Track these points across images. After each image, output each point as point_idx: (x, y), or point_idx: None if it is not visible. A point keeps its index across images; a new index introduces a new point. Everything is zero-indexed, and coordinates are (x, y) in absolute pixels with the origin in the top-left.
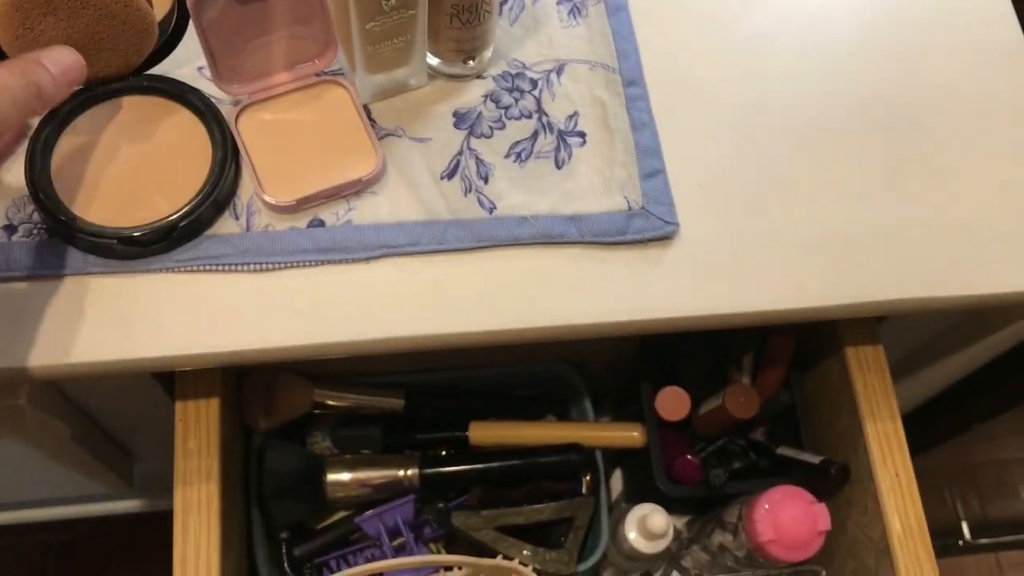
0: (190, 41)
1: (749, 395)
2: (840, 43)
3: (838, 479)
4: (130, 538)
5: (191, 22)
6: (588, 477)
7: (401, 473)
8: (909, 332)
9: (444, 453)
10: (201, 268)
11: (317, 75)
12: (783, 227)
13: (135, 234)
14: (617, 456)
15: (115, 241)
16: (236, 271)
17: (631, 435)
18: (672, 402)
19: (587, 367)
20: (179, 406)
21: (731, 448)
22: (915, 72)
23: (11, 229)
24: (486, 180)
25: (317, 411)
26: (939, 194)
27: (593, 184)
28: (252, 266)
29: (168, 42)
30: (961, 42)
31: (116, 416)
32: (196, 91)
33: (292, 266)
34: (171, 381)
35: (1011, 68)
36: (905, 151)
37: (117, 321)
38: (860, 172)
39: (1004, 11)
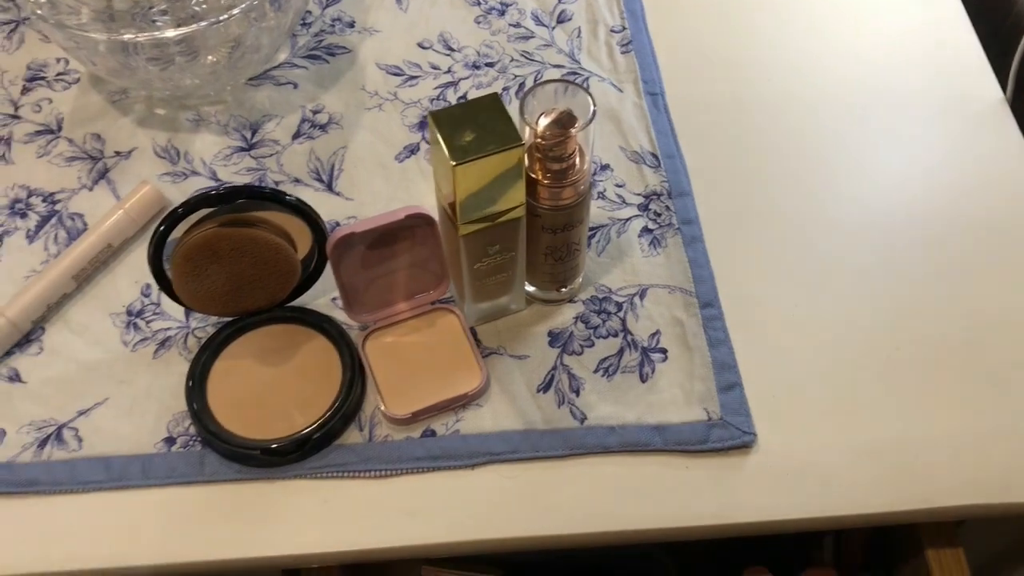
0: (327, 277)
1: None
2: (904, 266)
3: None
4: None
5: (328, 264)
6: None
7: None
8: (991, 535)
9: None
10: (329, 475)
11: (432, 304)
12: (855, 434)
13: (274, 446)
14: None
15: (258, 452)
16: (359, 477)
17: None
18: None
19: (683, 548)
20: None
21: None
22: (972, 291)
23: (171, 441)
24: (577, 393)
25: None
26: (1010, 403)
27: (675, 396)
28: (373, 472)
29: (308, 279)
30: (1012, 260)
31: None
32: (330, 320)
33: (407, 472)
34: None
35: None
36: (975, 365)
37: (256, 522)
38: (928, 384)
39: None
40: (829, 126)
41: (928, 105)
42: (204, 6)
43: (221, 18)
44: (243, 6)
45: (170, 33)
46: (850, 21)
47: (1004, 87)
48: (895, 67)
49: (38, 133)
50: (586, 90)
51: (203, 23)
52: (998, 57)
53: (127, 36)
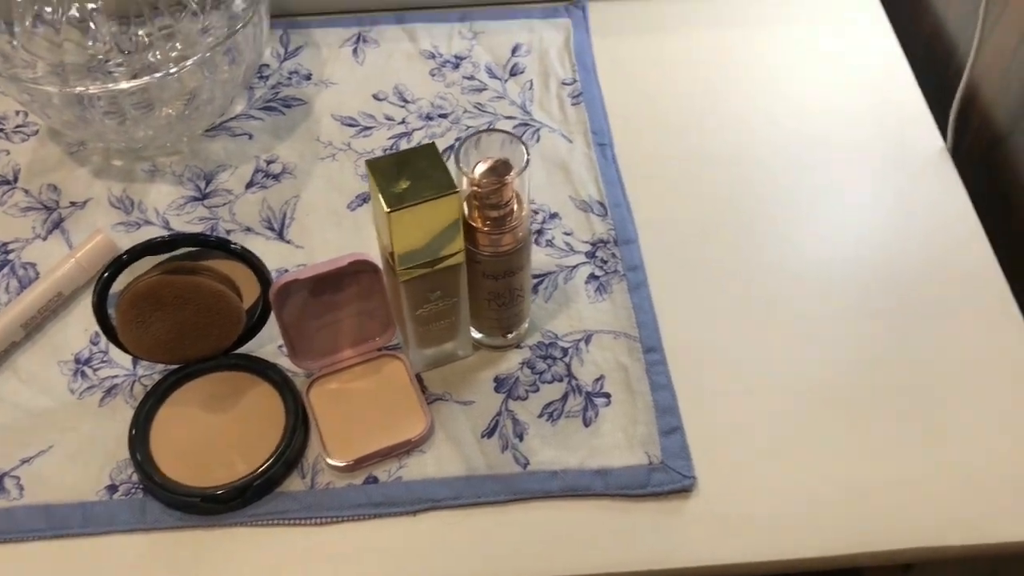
0: (273, 324)
1: None
2: (846, 313)
3: None
4: None
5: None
6: None
7: None
8: None
9: None
10: (270, 523)
11: (378, 350)
12: (796, 478)
13: (215, 493)
14: None
15: (198, 499)
16: (301, 525)
17: None
18: None
19: None
20: None
21: None
22: (912, 336)
23: (113, 489)
24: (521, 438)
25: None
26: (950, 447)
27: (617, 441)
28: (314, 520)
29: (254, 326)
30: (950, 300)
31: None
32: (274, 367)
33: (348, 520)
34: None
35: (1004, 328)
36: (909, 407)
37: (197, 570)
38: (870, 428)
39: (992, 274)
40: (774, 177)
41: (872, 155)
42: (158, 58)
43: (172, 71)
44: (196, 59)
45: (123, 85)
46: (796, 75)
47: (945, 136)
48: (839, 118)
49: None
50: (520, 139)
51: (156, 75)
52: (938, 106)
53: (80, 89)
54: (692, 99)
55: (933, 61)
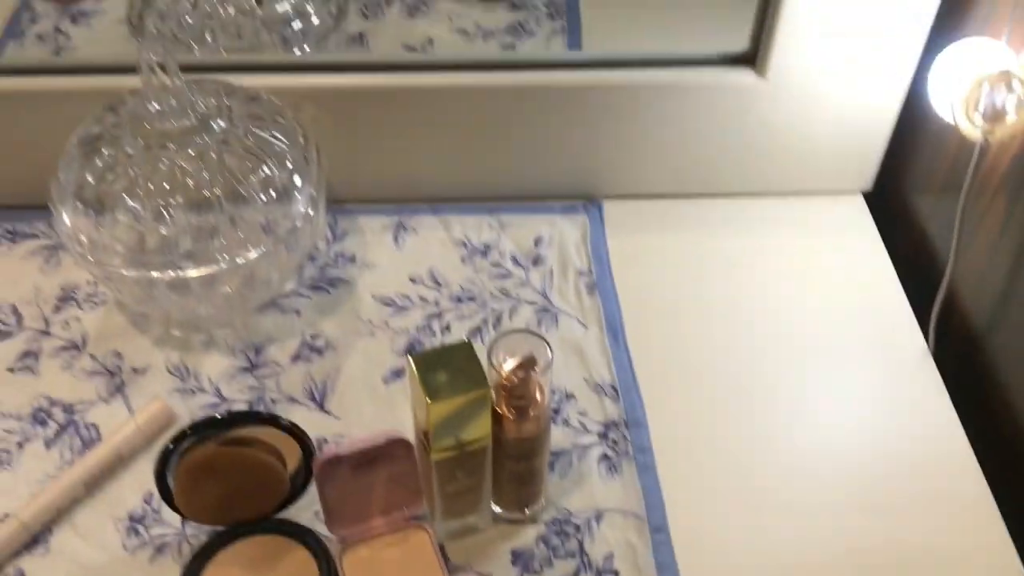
0: (311, 490)
1: None
2: (839, 499)
3: None
4: None
5: (313, 482)
6: None
7: None
8: None
9: None
10: None
11: (406, 520)
12: None
13: None
14: None
15: None
16: None
17: None
18: None
19: None
20: None
21: None
22: (897, 529)
23: None
24: None
25: None
26: None
27: None
28: None
29: (296, 491)
30: (932, 496)
31: None
32: (312, 533)
33: None
34: None
35: (982, 525)
36: None
37: None
38: None
39: (970, 468)
40: (771, 370)
41: (861, 354)
42: (223, 244)
43: (239, 262)
44: (260, 250)
45: (192, 274)
46: (792, 274)
47: (927, 338)
48: (831, 318)
49: (64, 348)
50: (545, 340)
51: (223, 265)
52: (921, 309)
53: (156, 275)
54: (697, 292)
55: (917, 266)
